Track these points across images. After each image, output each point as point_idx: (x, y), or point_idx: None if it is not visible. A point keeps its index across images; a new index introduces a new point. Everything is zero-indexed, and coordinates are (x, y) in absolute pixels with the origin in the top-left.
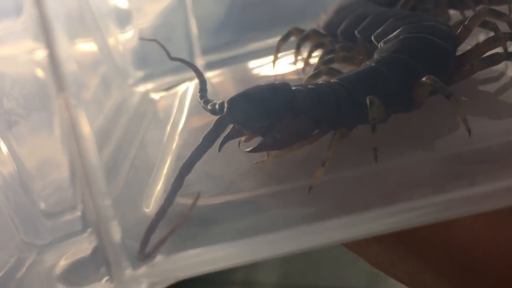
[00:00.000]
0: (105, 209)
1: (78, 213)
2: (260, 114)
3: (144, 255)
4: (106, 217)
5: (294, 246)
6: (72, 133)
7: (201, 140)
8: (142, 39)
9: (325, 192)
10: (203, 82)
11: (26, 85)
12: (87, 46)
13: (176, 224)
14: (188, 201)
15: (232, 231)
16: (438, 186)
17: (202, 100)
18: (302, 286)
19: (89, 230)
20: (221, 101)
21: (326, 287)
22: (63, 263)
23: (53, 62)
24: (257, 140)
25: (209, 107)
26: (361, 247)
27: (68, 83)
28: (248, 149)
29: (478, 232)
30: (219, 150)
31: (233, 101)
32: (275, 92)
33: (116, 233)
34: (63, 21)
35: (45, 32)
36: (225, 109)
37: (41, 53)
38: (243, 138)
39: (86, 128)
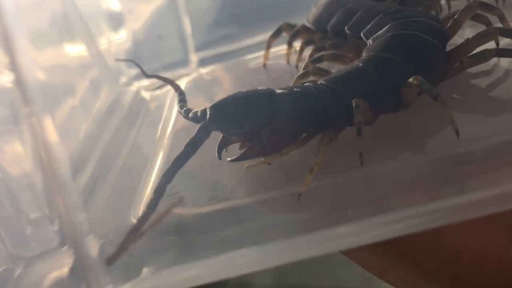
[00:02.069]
0: (80, 224)
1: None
2: (243, 121)
3: (110, 260)
4: (82, 232)
5: (283, 259)
6: (41, 146)
7: (184, 147)
8: (118, 60)
9: (314, 199)
10: (181, 94)
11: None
12: (76, 50)
13: (144, 228)
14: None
15: (220, 241)
16: (427, 191)
17: (183, 110)
18: (298, 286)
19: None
20: (202, 108)
21: (321, 287)
22: (50, 276)
23: (16, 71)
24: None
25: (190, 115)
26: (353, 251)
27: (32, 93)
28: (231, 158)
29: (468, 238)
30: (220, 158)
31: (215, 107)
32: (258, 98)
33: (93, 248)
34: (28, 31)
35: (5, 42)
36: (207, 116)
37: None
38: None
39: (55, 139)
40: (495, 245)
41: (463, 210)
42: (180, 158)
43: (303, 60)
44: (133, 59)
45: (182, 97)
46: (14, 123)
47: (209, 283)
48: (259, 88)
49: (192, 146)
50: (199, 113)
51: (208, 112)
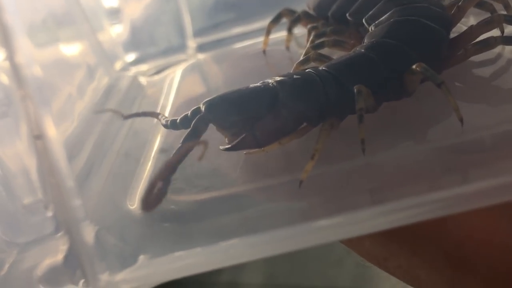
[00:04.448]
0: (75, 209)
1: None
2: (242, 110)
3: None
4: (77, 218)
5: (282, 247)
6: (37, 130)
7: (181, 143)
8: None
9: (314, 187)
10: (160, 115)
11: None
12: (71, 34)
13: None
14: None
15: (218, 229)
16: (430, 181)
17: (169, 123)
18: (288, 286)
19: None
20: (193, 108)
21: (311, 286)
22: (44, 263)
23: (10, 53)
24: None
25: (179, 122)
26: (353, 240)
27: (26, 76)
28: (224, 147)
29: (471, 228)
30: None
31: (210, 101)
32: (257, 89)
33: (88, 235)
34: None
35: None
36: (202, 109)
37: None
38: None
39: (51, 127)
40: (499, 236)
41: (467, 200)
42: (178, 155)
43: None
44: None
45: (161, 116)
46: (7, 105)
47: (199, 283)
48: (252, 85)
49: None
50: (189, 114)
51: (202, 106)
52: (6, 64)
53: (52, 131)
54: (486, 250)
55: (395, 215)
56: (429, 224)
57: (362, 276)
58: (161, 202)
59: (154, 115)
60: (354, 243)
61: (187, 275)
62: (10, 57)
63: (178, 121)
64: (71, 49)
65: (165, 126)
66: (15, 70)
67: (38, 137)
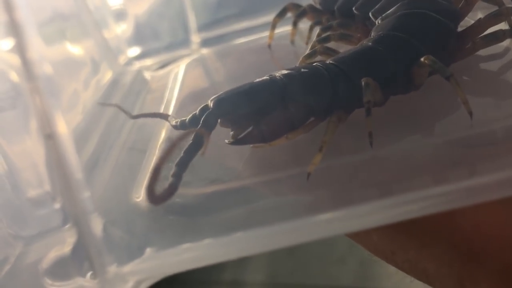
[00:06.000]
0: (84, 202)
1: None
2: (248, 106)
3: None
4: (86, 210)
5: (289, 240)
6: (46, 123)
7: (192, 139)
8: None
9: (321, 180)
10: (169, 116)
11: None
12: (76, 29)
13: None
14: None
15: (225, 222)
16: (438, 174)
17: (179, 124)
18: (290, 284)
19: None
20: (200, 107)
21: (314, 285)
22: (52, 255)
23: (19, 43)
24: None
25: (188, 121)
26: (360, 235)
27: (39, 78)
28: (229, 141)
29: (481, 221)
30: None
31: (218, 96)
32: (264, 83)
33: (97, 227)
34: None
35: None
36: (211, 105)
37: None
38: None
39: (60, 121)
40: (509, 229)
41: (475, 193)
42: (189, 151)
43: (311, 40)
44: (117, 104)
45: (171, 116)
46: (14, 98)
47: (202, 281)
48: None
49: (200, 138)
50: (197, 112)
51: (210, 102)
52: (12, 57)
53: (61, 125)
54: (496, 244)
55: (403, 208)
56: (438, 218)
57: (364, 274)
58: (170, 198)
59: (164, 116)
60: (362, 237)
61: (194, 268)
62: (21, 52)
63: (187, 120)
64: (77, 45)
65: (175, 127)
66: (26, 66)
67: (49, 136)
